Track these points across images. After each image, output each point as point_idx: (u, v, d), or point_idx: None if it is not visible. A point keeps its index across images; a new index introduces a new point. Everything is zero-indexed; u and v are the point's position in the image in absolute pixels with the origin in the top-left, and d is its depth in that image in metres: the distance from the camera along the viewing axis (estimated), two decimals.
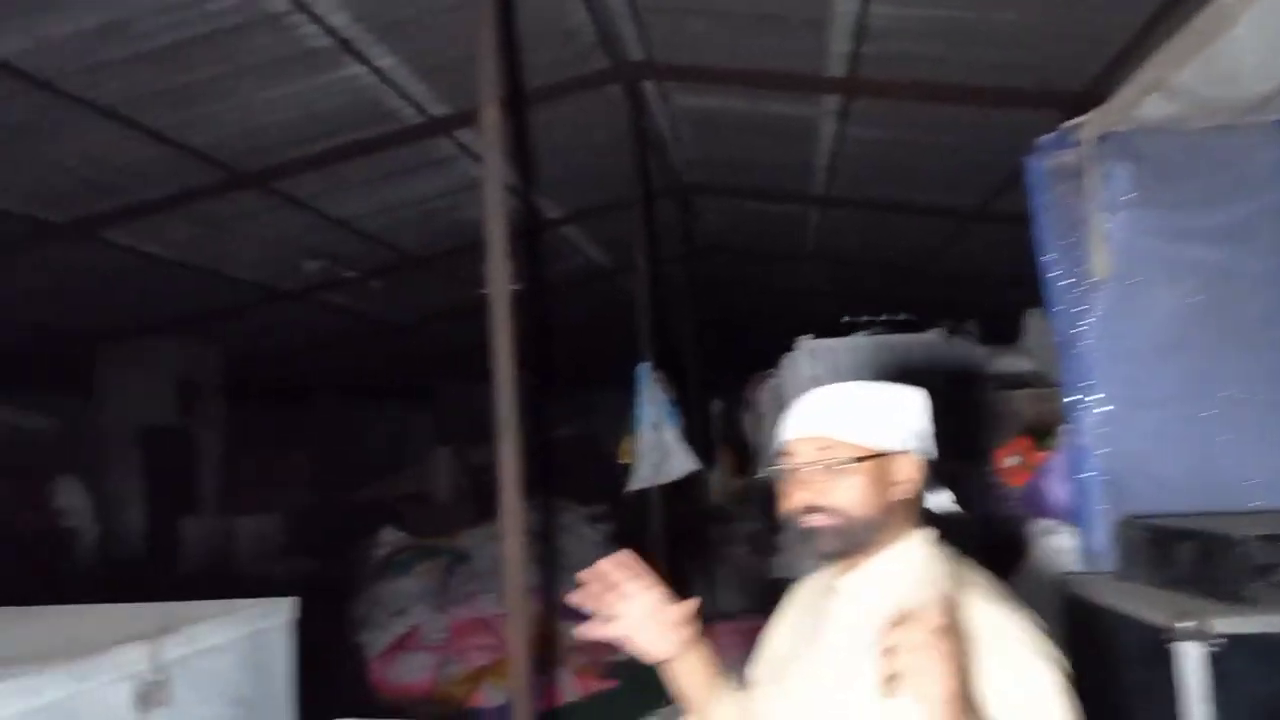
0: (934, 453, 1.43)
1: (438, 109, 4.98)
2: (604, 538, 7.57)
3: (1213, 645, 1.76)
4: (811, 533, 1.37)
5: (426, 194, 6.18)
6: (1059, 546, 2.81)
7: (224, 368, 9.24)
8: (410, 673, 5.39)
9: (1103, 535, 2.37)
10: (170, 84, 4.21)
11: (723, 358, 9.75)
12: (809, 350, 4.77)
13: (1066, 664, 1.24)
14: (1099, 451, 2.41)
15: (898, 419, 1.39)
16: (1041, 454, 3.47)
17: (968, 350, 4.96)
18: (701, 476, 7.17)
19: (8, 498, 7.45)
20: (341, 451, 11.17)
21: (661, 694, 4.92)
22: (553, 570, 6.63)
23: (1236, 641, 1.75)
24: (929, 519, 1.43)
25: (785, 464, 1.41)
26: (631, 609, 1.43)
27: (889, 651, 1.06)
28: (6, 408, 7.75)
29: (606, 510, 8.08)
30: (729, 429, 9.14)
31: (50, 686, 1.13)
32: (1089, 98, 2.53)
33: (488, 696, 5.03)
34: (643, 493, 5.22)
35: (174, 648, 1.33)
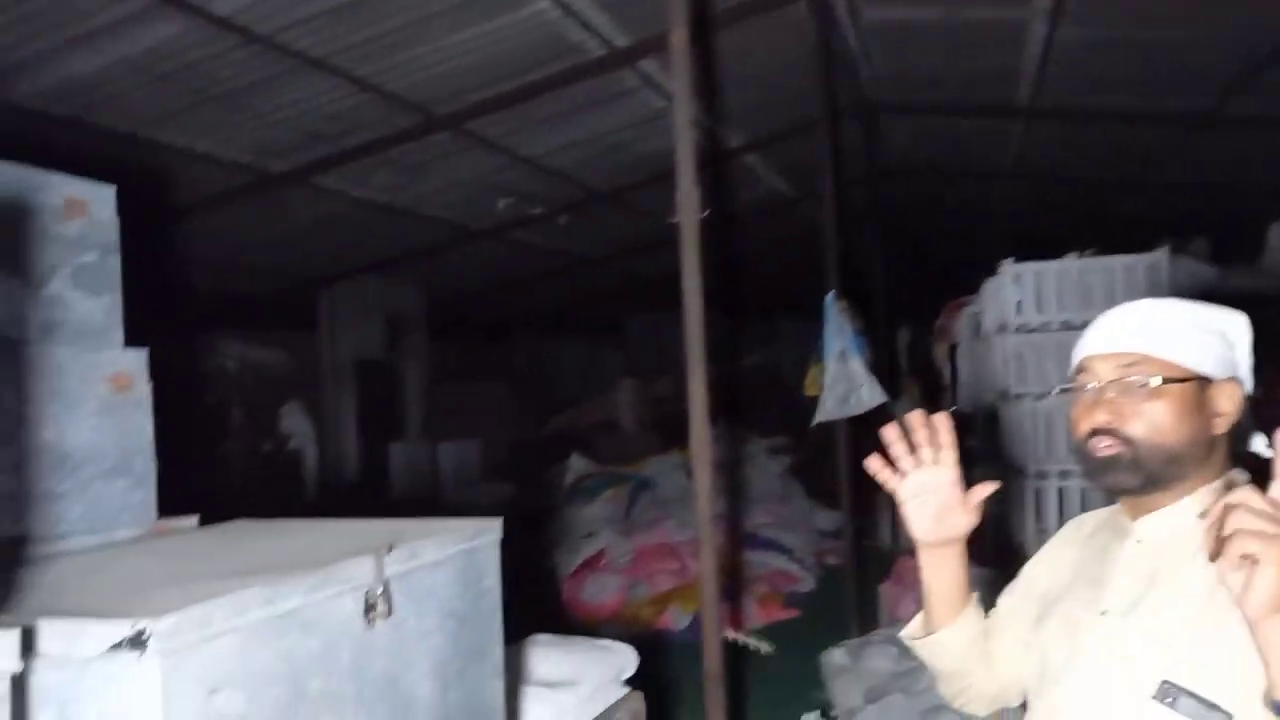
0: (1251, 387, 1.23)
1: (621, 40, 4.97)
2: (785, 470, 7.55)
3: None
4: (1107, 461, 1.19)
5: (611, 128, 6.22)
6: None
7: (426, 305, 9.83)
8: (600, 593, 5.63)
9: None
10: (369, 33, 4.41)
11: (912, 285, 9.36)
12: (1013, 275, 4.47)
13: None
14: None
15: (1221, 342, 1.19)
16: None
17: (1196, 270, 4.49)
18: (889, 409, 6.96)
19: (246, 423, 8.33)
20: (534, 383, 11.68)
21: (842, 626, 4.85)
22: (735, 500, 6.70)
23: None
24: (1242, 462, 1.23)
25: (1083, 381, 1.24)
26: (923, 476, 1.29)
27: (1225, 540, 0.90)
28: (244, 343, 8.60)
29: (788, 442, 8.03)
30: (917, 360, 8.79)
31: (287, 596, 1.19)
32: None
33: (675, 619, 5.17)
34: (827, 425, 5.12)
35: (396, 562, 1.42)
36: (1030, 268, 4.43)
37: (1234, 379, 1.19)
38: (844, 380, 4.87)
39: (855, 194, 7.50)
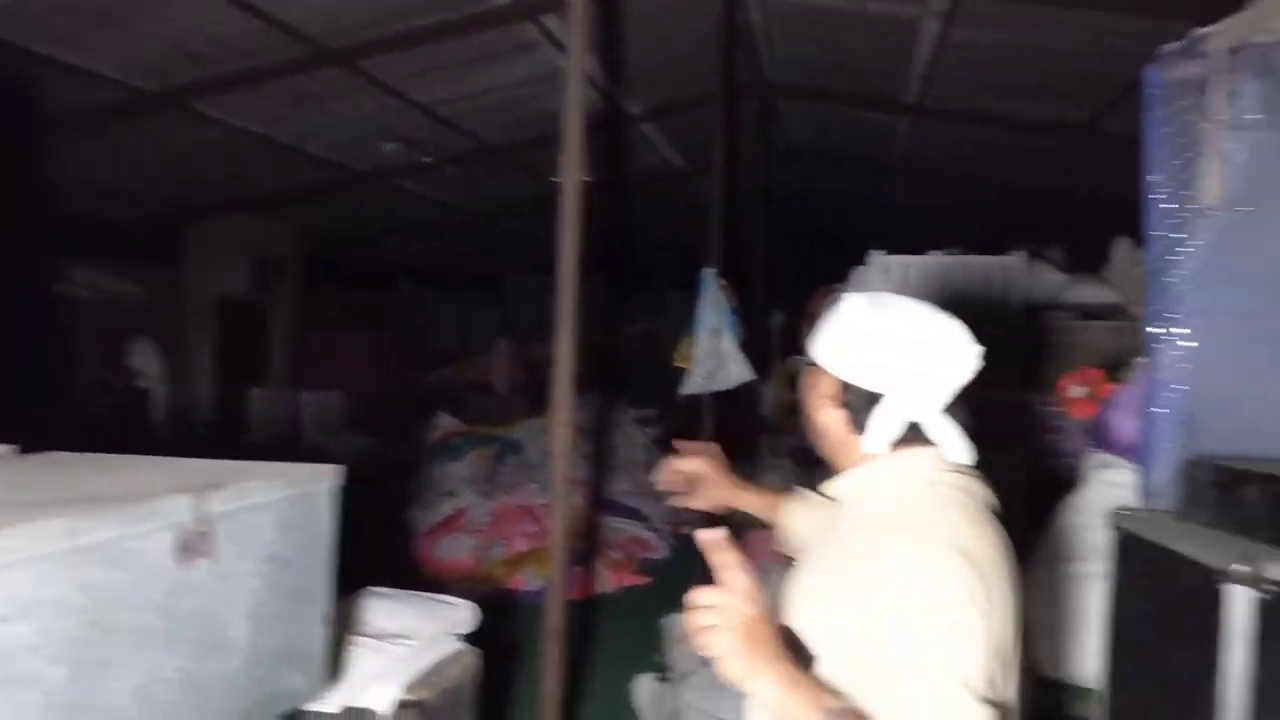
0: (876, 380, 1.34)
1: None
2: (652, 440, 7.64)
3: (1265, 592, 1.68)
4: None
5: (508, 82, 6.07)
6: (1116, 481, 2.72)
7: (301, 247, 9.43)
8: (455, 552, 5.59)
9: (1165, 474, 2.27)
10: None
11: (793, 269, 9.57)
12: (881, 266, 4.62)
13: (976, 625, 1.14)
14: (1176, 387, 2.29)
15: (839, 340, 1.38)
16: (1111, 386, 3.33)
17: (1047, 276, 4.76)
18: (755, 388, 7.12)
19: (90, 355, 7.83)
20: (409, 336, 11.41)
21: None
22: (599, 466, 6.75)
23: None
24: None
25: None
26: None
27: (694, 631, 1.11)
28: (98, 272, 8.06)
29: (657, 413, 8.12)
30: (788, 342, 9.03)
31: (92, 529, 1.16)
32: (1224, 5, 2.30)
33: (527, 580, 5.18)
34: (695, 399, 5.20)
35: (219, 503, 1.36)
36: (897, 260, 4.59)
37: (840, 374, 1.39)
38: (713, 356, 4.95)
39: (748, 174, 7.60)
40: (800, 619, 1.30)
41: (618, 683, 3.99)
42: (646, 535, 6.21)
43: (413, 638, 2.11)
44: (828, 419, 1.40)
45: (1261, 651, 1.67)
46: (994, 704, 1.13)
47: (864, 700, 1.13)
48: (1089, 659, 2.74)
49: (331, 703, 1.85)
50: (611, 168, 7.58)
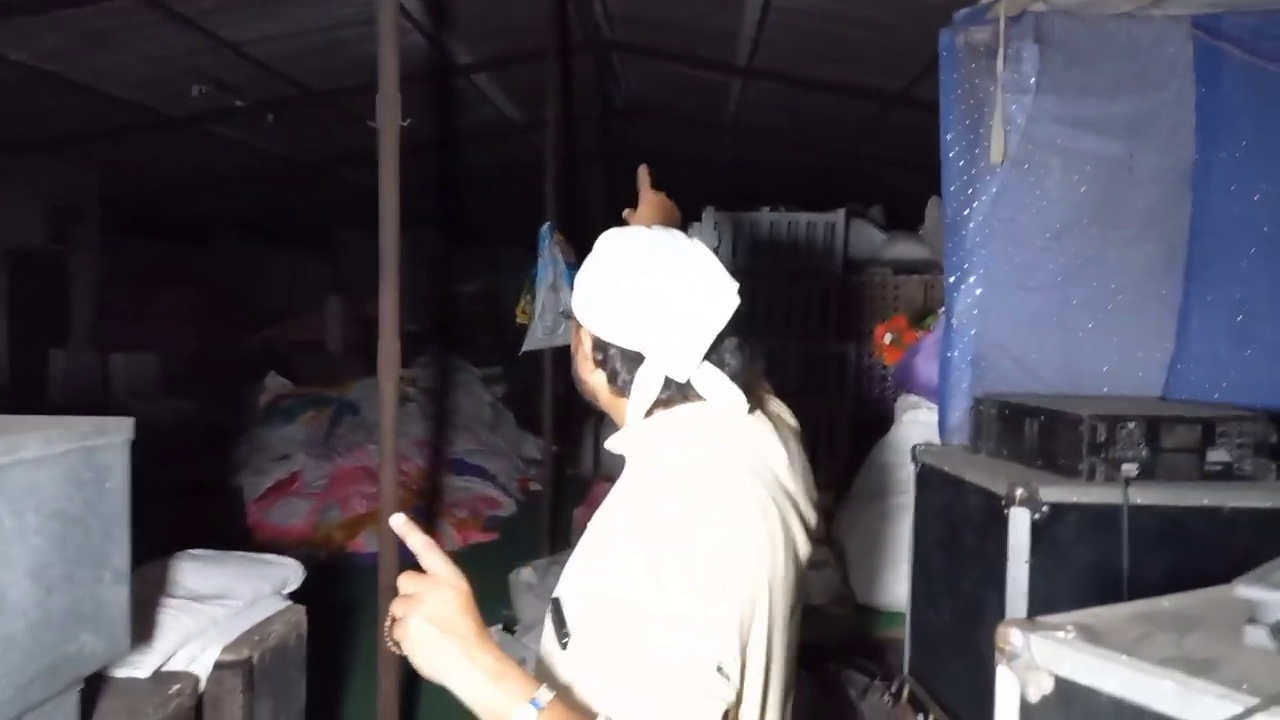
0: (643, 339, 1.23)
1: None
2: (498, 398, 7.60)
3: (1039, 512, 1.87)
4: None
5: (328, 23, 5.75)
6: (921, 421, 2.93)
7: (104, 195, 8.67)
8: (289, 516, 5.39)
9: (959, 412, 2.47)
10: None
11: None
12: (710, 221, 4.75)
13: (725, 593, 1.06)
14: (968, 332, 2.48)
15: (589, 292, 1.25)
16: (915, 333, 3.57)
17: (867, 233, 5.02)
18: None
19: None
20: (231, 294, 10.75)
21: (536, 548, 5.01)
22: (441, 426, 6.65)
23: (1059, 509, 1.87)
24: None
25: None
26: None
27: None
28: None
29: (500, 371, 8.07)
30: None
31: None
32: None
33: (366, 542, 5.07)
34: (537, 356, 5.20)
35: None
36: (728, 216, 4.74)
37: (589, 326, 1.26)
38: (553, 310, 4.96)
39: (586, 130, 7.56)
40: (563, 591, 1.16)
41: None
42: (493, 493, 6.19)
43: (232, 598, 2.03)
44: (593, 379, 1.29)
45: (1037, 563, 1.86)
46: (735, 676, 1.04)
47: (598, 677, 1.03)
48: (900, 584, 2.96)
49: (143, 667, 1.77)
50: (443, 118, 7.37)
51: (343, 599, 4.02)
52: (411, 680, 3.35)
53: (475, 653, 0.95)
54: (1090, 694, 0.91)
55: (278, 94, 6.85)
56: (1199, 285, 2.39)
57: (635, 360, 1.23)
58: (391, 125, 2.68)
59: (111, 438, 1.49)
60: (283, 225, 12.15)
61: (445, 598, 0.96)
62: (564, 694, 1.01)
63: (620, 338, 1.22)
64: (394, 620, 0.96)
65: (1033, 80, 2.37)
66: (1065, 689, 0.94)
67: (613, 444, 1.27)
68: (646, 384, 1.23)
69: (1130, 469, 1.92)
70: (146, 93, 6.57)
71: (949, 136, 2.46)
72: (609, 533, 1.15)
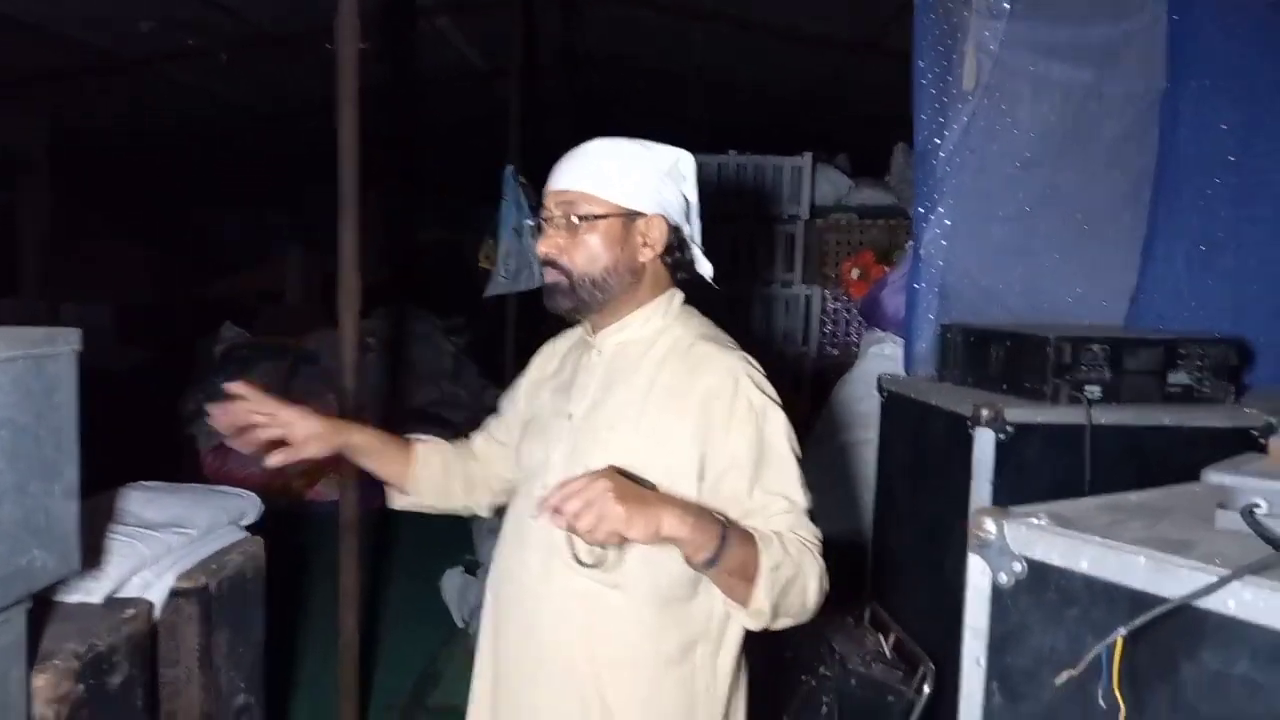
0: (691, 221, 1.44)
1: None
2: (460, 348, 7.52)
3: (1003, 433, 1.88)
4: (550, 287, 1.38)
5: None
6: (886, 354, 2.94)
7: (55, 144, 8.35)
8: (246, 464, 5.30)
9: (926, 342, 2.48)
10: None
11: None
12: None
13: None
14: (936, 263, 2.47)
15: (651, 179, 1.36)
16: (882, 268, 3.57)
17: (834, 178, 5.00)
18: None
19: None
20: (188, 243, 10.48)
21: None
22: (402, 376, 6.57)
23: (1024, 430, 1.88)
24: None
25: (543, 216, 1.39)
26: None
27: (565, 517, 1.08)
28: None
29: (464, 322, 7.98)
30: None
31: None
32: None
33: (325, 490, 5.02)
34: (501, 303, 5.13)
35: None
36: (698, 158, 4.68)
37: (661, 215, 1.37)
38: (517, 255, 4.88)
39: (551, 79, 7.42)
40: (620, 455, 1.29)
41: (428, 578, 3.97)
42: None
43: (188, 526, 1.98)
44: (632, 259, 1.37)
45: (1001, 481, 1.88)
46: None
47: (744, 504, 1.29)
48: (862, 518, 2.99)
49: (95, 593, 1.72)
50: (404, 65, 7.19)
51: (304, 543, 3.98)
52: (371, 615, 3.34)
53: (670, 497, 1.18)
54: (1063, 574, 0.91)
55: (232, 34, 6.61)
56: (1164, 215, 2.40)
57: (679, 233, 1.41)
58: (350, 49, 2.59)
59: (59, 347, 1.43)
60: (242, 175, 11.83)
61: (611, 480, 1.09)
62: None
63: (673, 213, 1.38)
64: (592, 523, 1.06)
65: (1006, 5, 2.34)
66: (1038, 570, 0.94)
67: (632, 328, 1.41)
68: (696, 253, 1.43)
69: (1094, 390, 1.94)
70: (94, 31, 6.30)
71: (921, 63, 2.43)
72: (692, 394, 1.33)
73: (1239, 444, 1.89)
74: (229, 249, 11.47)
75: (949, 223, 2.47)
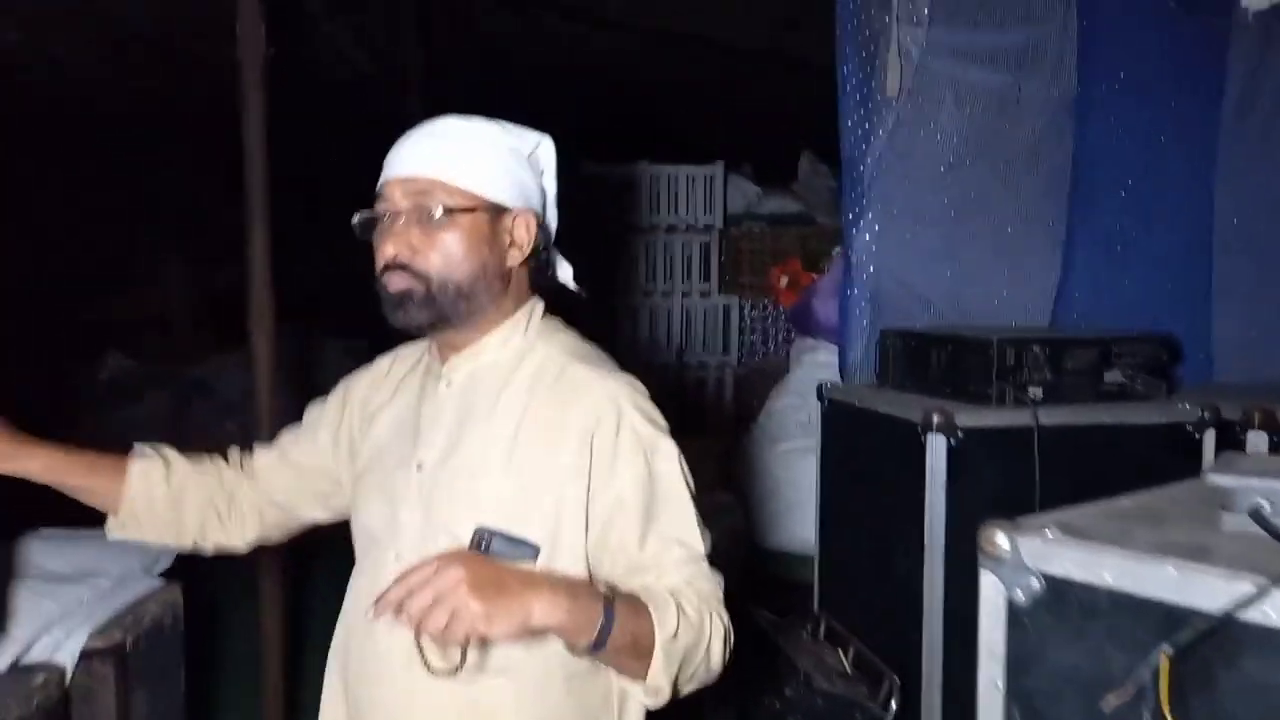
0: (550, 218, 1.24)
1: None
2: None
3: (954, 438, 1.89)
4: (399, 297, 1.11)
5: None
6: (820, 362, 2.95)
7: None
8: None
9: (862, 349, 2.48)
10: None
11: None
12: (587, 174, 4.65)
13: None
14: (867, 269, 2.49)
15: (521, 167, 1.17)
16: (810, 275, 3.60)
17: (744, 187, 5.04)
18: None
19: None
20: (50, 260, 9.76)
21: None
22: (306, 400, 6.29)
23: (973, 434, 1.90)
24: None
25: (381, 210, 1.13)
26: None
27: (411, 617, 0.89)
28: None
29: (368, 344, 7.70)
30: None
31: None
32: None
33: None
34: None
35: None
36: (604, 169, 4.65)
37: (531, 210, 1.17)
38: None
39: (453, 83, 7.24)
40: (490, 508, 1.11)
41: None
42: None
43: (98, 577, 1.81)
44: (500, 263, 1.15)
45: (955, 487, 1.88)
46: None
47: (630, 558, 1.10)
48: (801, 528, 2.98)
49: None
50: (303, 74, 6.91)
51: (219, 577, 3.72)
52: (296, 663, 3.15)
53: (537, 578, 0.98)
54: (1086, 589, 0.89)
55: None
56: (1081, 215, 2.48)
57: (548, 234, 1.22)
58: (255, 54, 2.43)
59: None
60: (112, 180, 11.12)
61: (464, 567, 0.91)
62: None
63: (540, 211, 1.21)
64: (447, 621, 0.88)
65: (926, 11, 2.38)
66: (1057, 585, 0.91)
67: (493, 345, 1.19)
68: (558, 256, 1.25)
69: (1036, 392, 1.97)
70: None
71: (845, 69, 2.45)
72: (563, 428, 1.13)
73: (1175, 439, 1.96)
74: (99, 265, 10.73)
75: (878, 228, 2.48)
